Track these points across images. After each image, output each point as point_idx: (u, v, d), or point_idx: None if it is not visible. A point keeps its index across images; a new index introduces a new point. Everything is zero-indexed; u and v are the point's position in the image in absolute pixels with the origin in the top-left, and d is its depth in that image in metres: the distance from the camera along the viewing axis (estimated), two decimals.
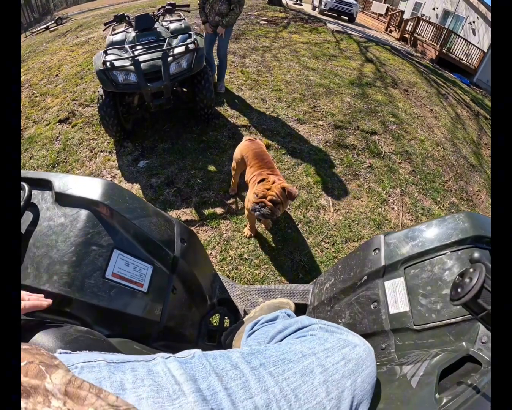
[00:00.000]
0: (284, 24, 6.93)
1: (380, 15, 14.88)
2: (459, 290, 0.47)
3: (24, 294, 0.64)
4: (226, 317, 1.30)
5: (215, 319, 1.39)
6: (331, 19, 9.87)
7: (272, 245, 2.00)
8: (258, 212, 1.59)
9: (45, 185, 0.82)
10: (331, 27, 7.47)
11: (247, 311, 1.29)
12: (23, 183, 0.76)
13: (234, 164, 2.04)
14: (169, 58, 2.38)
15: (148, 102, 2.52)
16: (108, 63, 2.29)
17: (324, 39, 6.17)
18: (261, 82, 3.79)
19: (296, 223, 2.16)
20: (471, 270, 0.48)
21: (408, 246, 0.89)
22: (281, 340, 0.72)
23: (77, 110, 3.40)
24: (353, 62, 5.00)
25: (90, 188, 0.81)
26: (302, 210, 2.26)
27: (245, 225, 2.07)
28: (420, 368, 0.63)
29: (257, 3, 9.27)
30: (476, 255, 0.48)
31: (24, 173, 0.84)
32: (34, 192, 0.80)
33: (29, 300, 0.67)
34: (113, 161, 2.77)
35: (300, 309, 1.29)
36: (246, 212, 1.82)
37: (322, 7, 11.30)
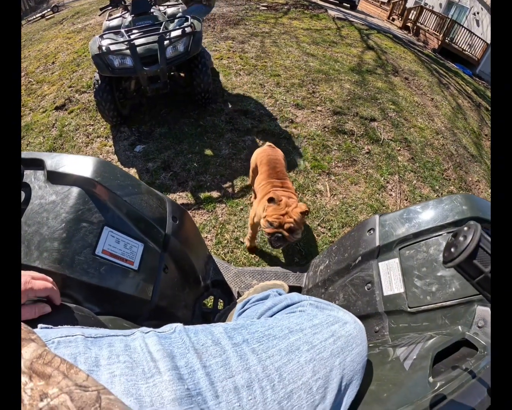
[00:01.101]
0: (284, 10, 6.79)
1: (383, 3, 14.64)
2: (452, 249, 0.42)
3: (29, 276, 0.62)
4: (220, 299, 1.30)
5: (210, 301, 1.39)
6: (333, 6, 9.69)
7: None
8: (274, 246, 1.41)
9: (37, 164, 0.81)
10: (332, 14, 7.33)
11: (241, 293, 1.28)
12: None
13: (250, 169, 1.86)
14: (166, 42, 2.33)
15: (145, 87, 2.48)
16: (103, 48, 2.25)
17: (325, 25, 6.06)
18: (260, 68, 3.72)
19: None
20: (465, 228, 0.43)
21: (403, 226, 0.87)
22: (270, 317, 0.69)
23: (74, 97, 3.36)
24: (353, 49, 4.92)
25: (82, 165, 0.80)
26: (299, 194, 2.24)
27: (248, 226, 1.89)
28: (413, 351, 0.62)
29: None
30: (471, 222, 0.44)
31: None
32: (27, 172, 0.80)
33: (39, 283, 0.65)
34: (110, 146, 2.74)
35: (294, 292, 1.28)
36: (250, 221, 1.62)
37: None
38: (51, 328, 0.46)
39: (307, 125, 2.90)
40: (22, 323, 0.36)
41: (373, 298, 0.87)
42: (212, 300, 1.30)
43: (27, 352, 0.30)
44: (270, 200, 1.39)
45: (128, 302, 0.82)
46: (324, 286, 1.12)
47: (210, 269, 1.33)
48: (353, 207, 2.24)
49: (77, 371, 0.31)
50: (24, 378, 0.28)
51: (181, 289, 1.08)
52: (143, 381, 0.39)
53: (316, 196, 2.26)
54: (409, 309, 0.77)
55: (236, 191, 2.25)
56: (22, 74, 4.25)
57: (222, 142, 2.64)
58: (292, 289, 1.26)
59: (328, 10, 7.74)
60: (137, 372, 0.40)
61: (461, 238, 0.42)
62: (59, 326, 0.47)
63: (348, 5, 11.28)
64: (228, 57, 3.88)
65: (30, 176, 0.80)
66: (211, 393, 0.42)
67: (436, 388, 0.49)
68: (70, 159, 0.81)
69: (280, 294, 0.95)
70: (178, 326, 0.52)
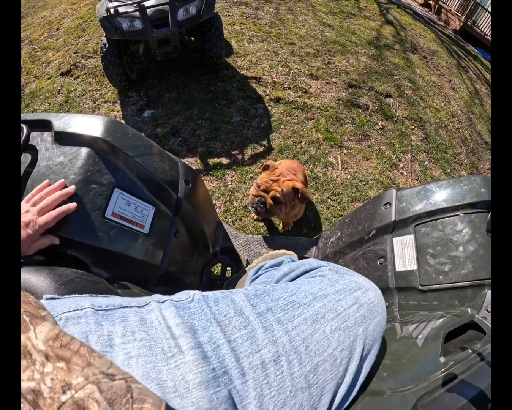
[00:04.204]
0: None
1: None
2: None
3: (33, 216, 0.61)
4: (228, 267, 1.28)
5: (217, 268, 1.39)
6: None
7: None
8: (253, 208, 1.30)
9: (44, 125, 0.77)
10: None
11: (249, 261, 1.27)
12: (22, 124, 0.71)
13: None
14: (177, 4, 2.22)
15: (154, 50, 2.39)
16: (112, 10, 2.15)
17: None
18: (274, 35, 3.57)
19: None
20: None
21: (421, 203, 0.85)
22: (290, 282, 0.65)
23: (80, 62, 3.26)
24: (372, 22, 4.69)
25: (91, 125, 0.76)
26: (310, 165, 2.20)
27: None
28: (425, 328, 0.61)
29: None
30: None
31: (24, 115, 0.79)
32: (33, 134, 0.75)
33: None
34: (117, 111, 2.69)
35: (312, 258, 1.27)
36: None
37: None
38: (58, 298, 0.42)
39: (321, 96, 2.81)
40: (30, 297, 0.33)
41: (384, 273, 0.86)
42: (220, 267, 1.29)
43: (42, 332, 0.27)
44: (265, 167, 1.32)
45: (137, 267, 0.80)
46: (335, 258, 1.10)
47: (219, 236, 1.31)
48: (364, 182, 2.20)
49: (100, 356, 0.27)
50: (40, 358, 0.24)
51: (190, 255, 1.06)
52: (164, 362, 0.35)
53: (327, 168, 2.22)
54: (420, 287, 0.76)
55: (246, 159, 2.21)
56: (26, 41, 4.12)
57: (233, 109, 2.57)
58: (301, 259, 1.25)
59: None
60: (156, 351, 0.36)
61: None
62: (66, 296, 0.43)
63: None
64: (241, 23, 3.72)
65: (37, 138, 0.76)
66: (237, 371, 0.39)
67: (447, 367, 0.49)
68: (79, 119, 0.77)
69: (293, 260, 0.93)
70: (196, 293, 0.48)
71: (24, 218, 0.60)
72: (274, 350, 0.42)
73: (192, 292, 0.48)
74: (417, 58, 4.30)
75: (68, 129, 0.74)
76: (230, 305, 0.46)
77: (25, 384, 0.23)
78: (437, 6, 10.32)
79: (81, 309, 0.37)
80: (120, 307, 0.41)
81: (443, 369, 0.49)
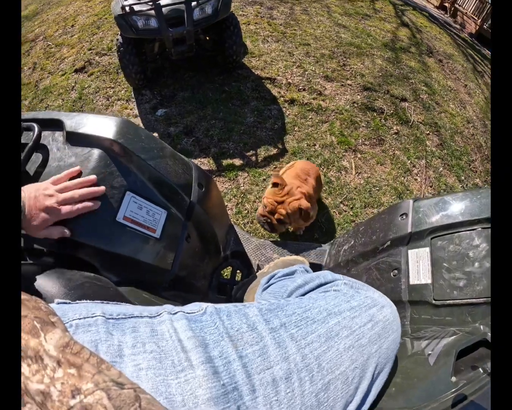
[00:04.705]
0: None
1: None
2: None
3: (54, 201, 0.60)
4: (238, 271, 1.27)
5: (227, 271, 1.38)
6: None
7: None
8: (262, 225, 1.40)
9: (56, 125, 0.75)
10: None
11: (260, 266, 1.25)
12: (33, 123, 0.70)
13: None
14: (193, 3, 2.21)
15: (169, 49, 2.39)
16: (127, 8, 2.15)
17: None
18: (289, 35, 3.54)
19: None
20: None
21: (438, 215, 0.83)
22: (303, 296, 0.64)
23: (94, 59, 3.28)
24: (387, 24, 4.63)
25: (103, 126, 0.74)
26: (323, 169, 2.19)
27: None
28: (437, 346, 0.60)
29: None
30: None
31: (35, 113, 0.77)
32: (45, 133, 0.74)
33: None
34: (131, 109, 2.70)
35: (314, 269, 1.25)
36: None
37: None
38: (69, 303, 0.42)
39: (336, 99, 2.78)
40: (41, 302, 0.32)
41: (398, 286, 0.84)
42: (230, 271, 1.27)
43: (53, 338, 0.27)
44: (274, 184, 1.33)
45: (147, 271, 0.79)
46: (347, 267, 1.08)
47: (230, 239, 1.30)
48: (377, 188, 2.18)
49: (108, 367, 0.27)
50: (51, 369, 0.24)
51: (201, 259, 1.05)
52: (173, 376, 0.35)
53: (340, 172, 2.20)
54: (434, 302, 0.75)
55: (259, 161, 2.20)
56: (41, 38, 4.16)
57: (247, 109, 2.56)
58: (312, 266, 1.23)
59: None
60: (166, 364, 0.35)
61: None
62: (77, 301, 0.43)
63: None
64: (256, 23, 3.70)
65: (48, 138, 0.75)
66: (247, 388, 0.38)
67: (457, 387, 0.48)
68: (91, 119, 0.75)
69: (307, 271, 0.92)
70: (209, 306, 0.47)
71: (46, 201, 0.58)
72: (286, 367, 0.42)
73: (204, 305, 0.47)
74: (433, 61, 4.23)
75: (80, 130, 0.73)
76: (243, 320, 0.46)
77: (35, 386, 0.23)
78: (452, 8, 10.14)
79: (92, 317, 0.37)
80: (131, 317, 0.40)
81: (453, 389, 0.48)
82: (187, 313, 0.45)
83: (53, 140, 0.74)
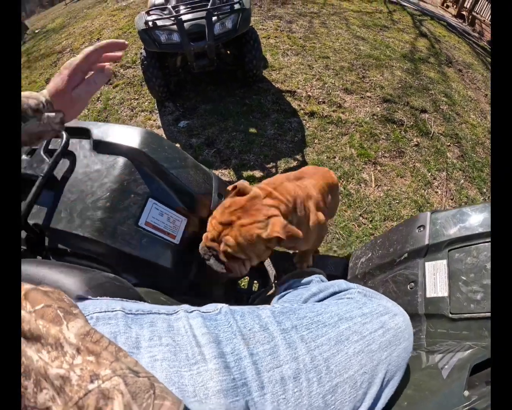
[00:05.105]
0: None
1: None
2: None
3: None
4: (255, 281, 1.29)
5: (244, 281, 1.41)
6: None
7: None
8: (207, 261, 0.78)
9: (83, 133, 0.81)
10: None
11: (277, 277, 1.25)
12: (61, 131, 0.75)
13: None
14: (214, 18, 2.32)
15: (191, 63, 2.49)
16: (150, 23, 2.27)
17: (376, 8, 5.70)
18: (308, 48, 3.62)
19: None
20: None
21: (455, 227, 0.83)
22: (317, 302, 0.66)
23: (119, 72, 3.45)
24: (406, 35, 4.63)
25: (129, 135, 0.79)
26: (343, 182, 2.21)
27: None
28: (452, 360, 0.60)
29: None
30: None
31: None
32: (73, 140, 0.80)
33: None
34: (154, 120, 2.81)
35: (341, 279, 1.27)
36: None
37: None
38: (90, 298, 0.45)
39: (356, 111, 2.82)
40: (64, 295, 0.34)
41: (414, 299, 0.84)
42: (247, 281, 1.30)
43: (75, 327, 0.29)
44: (233, 188, 0.79)
45: (166, 275, 0.82)
46: (364, 279, 1.09)
47: None
48: (397, 201, 2.18)
49: (126, 355, 0.28)
50: (71, 355, 0.26)
51: None
52: (186, 368, 0.36)
53: (360, 185, 2.22)
54: (450, 315, 0.74)
55: (279, 173, 2.25)
56: (67, 50, 4.38)
57: (268, 122, 2.63)
58: (329, 277, 1.26)
59: None
60: (180, 357, 0.37)
61: None
62: (98, 297, 0.45)
63: None
64: (276, 37, 3.80)
65: (76, 145, 0.80)
66: (256, 384, 0.40)
67: (470, 401, 0.48)
68: (117, 129, 0.80)
69: (322, 281, 0.93)
70: (224, 306, 0.49)
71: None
72: (295, 367, 0.43)
73: (219, 305, 0.49)
74: (453, 71, 4.19)
75: (106, 138, 0.77)
76: (255, 320, 0.47)
77: (54, 371, 0.24)
78: (470, 16, 9.98)
79: (112, 311, 0.39)
80: (150, 313, 0.42)
81: (466, 403, 0.48)
82: (203, 312, 0.47)
83: (80, 148, 0.79)
